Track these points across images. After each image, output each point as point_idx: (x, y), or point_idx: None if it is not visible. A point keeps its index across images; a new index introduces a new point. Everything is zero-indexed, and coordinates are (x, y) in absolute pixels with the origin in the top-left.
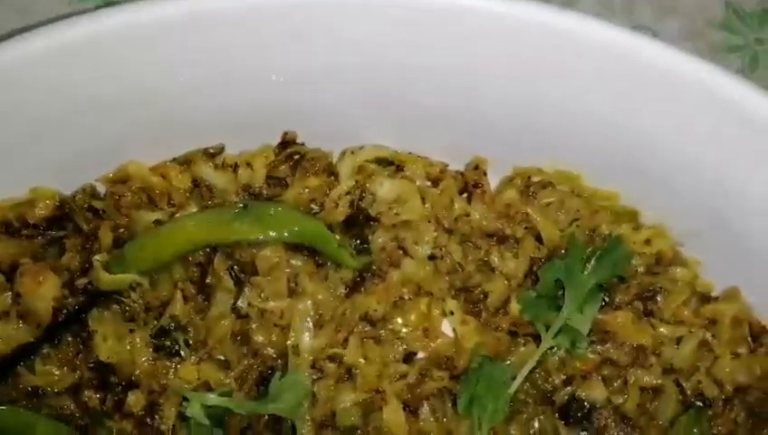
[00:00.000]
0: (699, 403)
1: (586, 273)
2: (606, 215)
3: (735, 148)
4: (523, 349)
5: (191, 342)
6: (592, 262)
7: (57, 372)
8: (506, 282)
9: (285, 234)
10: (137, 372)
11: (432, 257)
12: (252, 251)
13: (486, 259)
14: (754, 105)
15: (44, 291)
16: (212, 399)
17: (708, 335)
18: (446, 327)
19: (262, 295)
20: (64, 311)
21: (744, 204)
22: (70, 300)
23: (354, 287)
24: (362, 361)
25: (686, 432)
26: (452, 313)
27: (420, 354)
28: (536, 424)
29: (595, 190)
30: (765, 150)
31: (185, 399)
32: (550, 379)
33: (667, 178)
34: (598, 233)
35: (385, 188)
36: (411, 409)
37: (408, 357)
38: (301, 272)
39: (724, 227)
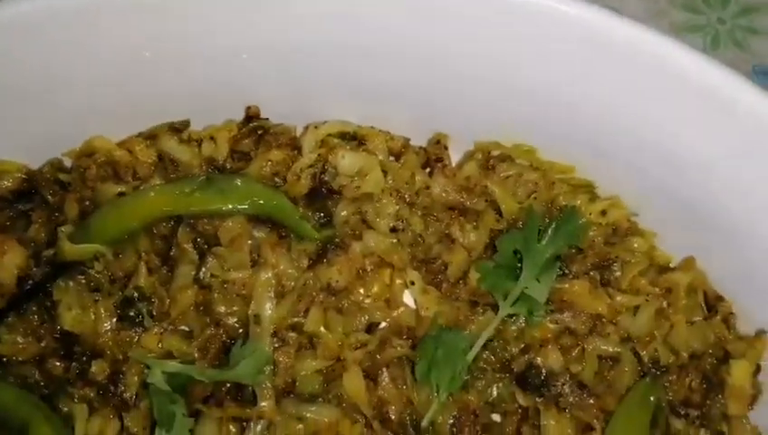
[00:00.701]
0: (655, 370)
1: (543, 243)
2: (563, 187)
3: (692, 121)
4: (481, 318)
5: (155, 312)
6: (549, 232)
7: (22, 341)
8: (467, 253)
9: (247, 205)
10: (100, 341)
11: (394, 230)
12: (215, 223)
13: (447, 232)
14: (714, 80)
15: (8, 261)
16: (172, 366)
17: (664, 304)
18: (408, 298)
19: (224, 266)
20: (30, 281)
21: (699, 174)
22: (35, 271)
23: (317, 259)
24: (323, 330)
25: (642, 399)
26: (413, 283)
27: (382, 325)
28: (494, 391)
29: (552, 164)
30: (724, 125)
31: (147, 367)
32: (508, 348)
33: (622, 151)
34: (555, 205)
35: (346, 160)
36: (372, 376)
37: (371, 328)
38: (263, 243)
39: (679, 197)
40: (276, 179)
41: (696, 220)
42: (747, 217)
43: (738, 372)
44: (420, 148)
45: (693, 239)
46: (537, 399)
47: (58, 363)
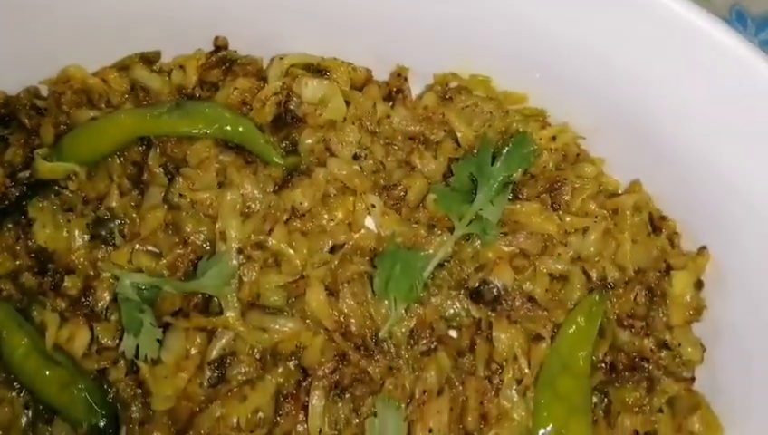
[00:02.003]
0: (603, 287)
1: (496, 166)
2: (516, 116)
3: (637, 42)
4: (438, 239)
5: (126, 232)
6: (502, 157)
7: None
8: (426, 180)
9: (214, 129)
10: (73, 258)
11: (356, 157)
12: (183, 147)
13: (407, 160)
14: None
15: None
16: (140, 277)
17: (612, 225)
18: (370, 223)
19: (192, 187)
20: (5, 201)
21: (644, 99)
22: (12, 190)
23: (282, 185)
24: (287, 248)
25: (589, 311)
26: (374, 206)
27: (345, 247)
28: (449, 308)
29: (506, 94)
30: (668, 45)
31: (117, 280)
32: (464, 267)
33: (572, 76)
34: (508, 132)
35: (309, 88)
36: (333, 293)
37: (333, 250)
38: (229, 165)
39: (626, 124)
40: (243, 108)
41: (642, 145)
42: (690, 141)
43: (679, 283)
44: (382, 82)
45: (639, 164)
46: (490, 313)
47: (32, 278)
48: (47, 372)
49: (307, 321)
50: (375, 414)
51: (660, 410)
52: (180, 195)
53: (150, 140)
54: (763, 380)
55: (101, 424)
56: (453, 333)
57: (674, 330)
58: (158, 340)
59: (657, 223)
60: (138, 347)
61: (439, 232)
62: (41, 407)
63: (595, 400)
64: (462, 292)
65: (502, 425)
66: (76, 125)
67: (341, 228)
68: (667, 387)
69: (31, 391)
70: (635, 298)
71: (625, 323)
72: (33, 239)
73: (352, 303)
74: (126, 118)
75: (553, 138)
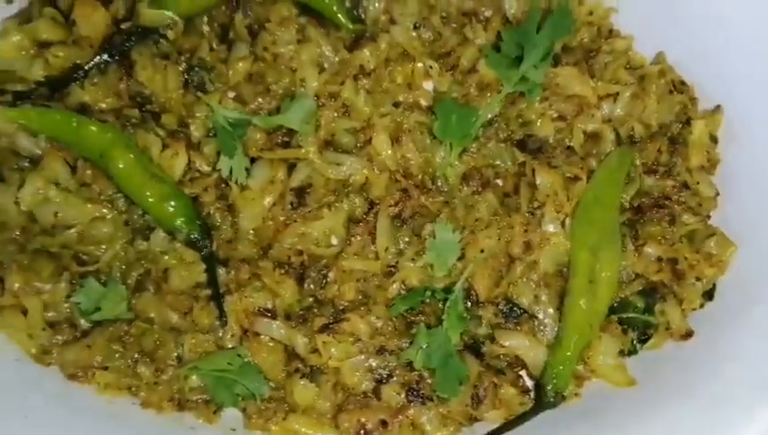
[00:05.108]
0: (631, 142)
1: (540, 34)
2: None
3: None
4: (487, 98)
5: (214, 82)
6: (546, 26)
7: (102, 94)
8: (478, 50)
9: None
10: (169, 99)
11: (416, 27)
12: (267, 8)
13: (462, 32)
14: None
15: (96, 18)
16: (232, 112)
17: (639, 90)
18: (427, 87)
19: (275, 41)
20: (111, 47)
21: None
22: (116, 37)
23: (351, 48)
24: (356, 98)
25: (619, 158)
26: (431, 66)
27: None
28: (497, 158)
29: None
30: None
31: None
32: (509, 125)
33: None
34: (550, 9)
35: None
36: (396, 140)
37: (395, 106)
38: (308, 24)
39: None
40: None
41: (667, 17)
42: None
43: (698, 130)
44: None
45: (665, 35)
46: (533, 159)
47: (134, 111)
48: (151, 186)
49: (373, 164)
50: (434, 236)
51: (680, 241)
52: (264, 48)
53: None
54: None
55: (197, 235)
56: (498, 182)
57: (692, 172)
58: (246, 169)
59: (678, 87)
60: (231, 169)
61: (488, 93)
62: (138, 226)
63: (624, 233)
64: (507, 144)
65: (543, 249)
66: None
67: (402, 88)
68: (686, 220)
69: (136, 203)
70: (659, 149)
71: (649, 170)
72: (134, 78)
73: (412, 147)
74: None
75: (590, 13)
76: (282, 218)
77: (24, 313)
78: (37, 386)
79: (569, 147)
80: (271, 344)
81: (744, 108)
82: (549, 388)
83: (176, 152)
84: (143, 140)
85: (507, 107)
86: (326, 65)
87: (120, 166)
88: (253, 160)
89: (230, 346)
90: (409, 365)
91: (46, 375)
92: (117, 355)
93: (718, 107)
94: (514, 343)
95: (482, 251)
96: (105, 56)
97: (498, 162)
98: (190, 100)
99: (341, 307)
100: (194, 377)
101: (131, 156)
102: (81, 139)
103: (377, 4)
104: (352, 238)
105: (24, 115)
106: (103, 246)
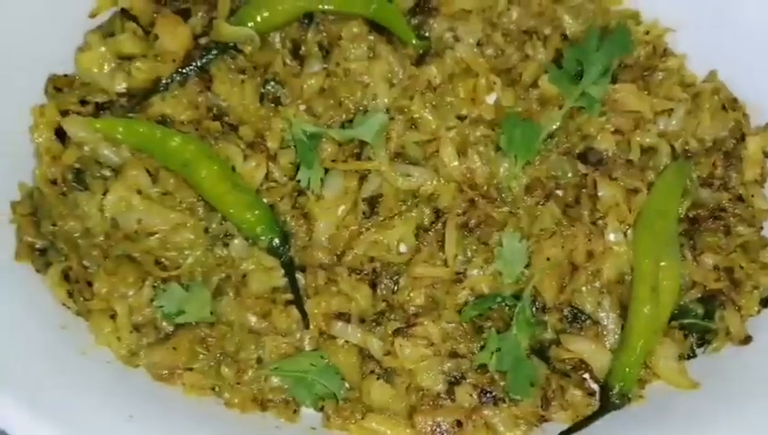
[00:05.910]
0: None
1: (600, 52)
2: (614, 15)
3: None
4: (549, 113)
5: (288, 96)
6: (605, 44)
7: (182, 106)
8: (539, 66)
9: (370, 9)
10: (246, 113)
11: (479, 44)
12: (339, 25)
13: (522, 49)
14: None
15: (180, 33)
16: (308, 125)
17: (693, 106)
18: (490, 101)
19: (347, 58)
20: (190, 61)
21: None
22: (195, 52)
23: (416, 64)
24: (425, 112)
25: (677, 172)
26: (495, 82)
27: None
28: (558, 169)
29: None
30: None
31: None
32: (569, 138)
33: None
34: (608, 28)
35: None
36: (462, 153)
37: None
38: (377, 42)
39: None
40: None
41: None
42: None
43: (752, 146)
44: None
45: (717, 56)
46: (594, 171)
47: (213, 123)
48: (234, 196)
49: (440, 175)
50: (501, 244)
51: (735, 250)
52: (337, 64)
53: (312, 16)
54: None
55: (278, 241)
56: (558, 193)
57: (747, 185)
58: (321, 179)
59: (730, 105)
60: (309, 179)
61: (550, 107)
62: (216, 233)
63: (682, 243)
64: (568, 156)
65: (606, 258)
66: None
67: (465, 102)
68: (741, 232)
69: (218, 211)
70: (713, 163)
71: (705, 182)
72: (213, 91)
73: (478, 160)
74: None
75: (647, 32)
76: (354, 227)
77: (113, 316)
78: (132, 387)
79: (628, 160)
80: (345, 347)
81: None
82: (615, 390)
83: (257, 163)
84: (225, 151)
85: (567, 121)
86: (395, 81)
87: (204, 175)
88: (326, 171)
89: (308, 348)
90: (480, 368)
91: (135, 376)
92: (200, 356)
93: None
94: (580, 347)
95: (548, 259)
96: (187, 69)
97: (559, 174)
98: (265, 113)
99: (412, 312)
100: (274, 378)
101: (215, 166)
102: (165, 149)
103: (442, 23)
104: (422, 246)
105: (110, 126)
106: (186, 252)
